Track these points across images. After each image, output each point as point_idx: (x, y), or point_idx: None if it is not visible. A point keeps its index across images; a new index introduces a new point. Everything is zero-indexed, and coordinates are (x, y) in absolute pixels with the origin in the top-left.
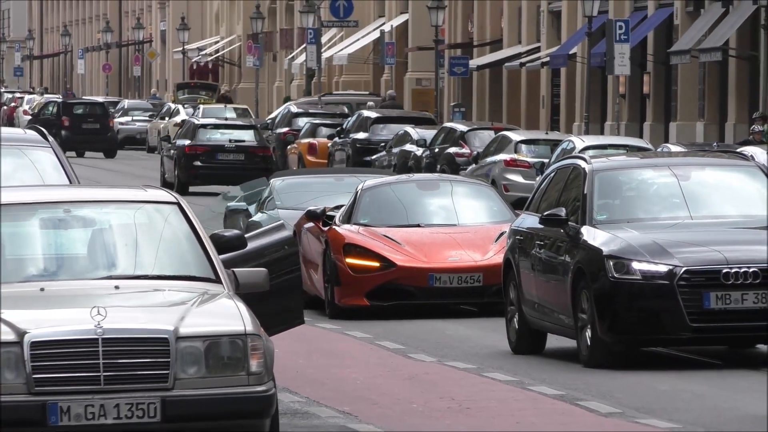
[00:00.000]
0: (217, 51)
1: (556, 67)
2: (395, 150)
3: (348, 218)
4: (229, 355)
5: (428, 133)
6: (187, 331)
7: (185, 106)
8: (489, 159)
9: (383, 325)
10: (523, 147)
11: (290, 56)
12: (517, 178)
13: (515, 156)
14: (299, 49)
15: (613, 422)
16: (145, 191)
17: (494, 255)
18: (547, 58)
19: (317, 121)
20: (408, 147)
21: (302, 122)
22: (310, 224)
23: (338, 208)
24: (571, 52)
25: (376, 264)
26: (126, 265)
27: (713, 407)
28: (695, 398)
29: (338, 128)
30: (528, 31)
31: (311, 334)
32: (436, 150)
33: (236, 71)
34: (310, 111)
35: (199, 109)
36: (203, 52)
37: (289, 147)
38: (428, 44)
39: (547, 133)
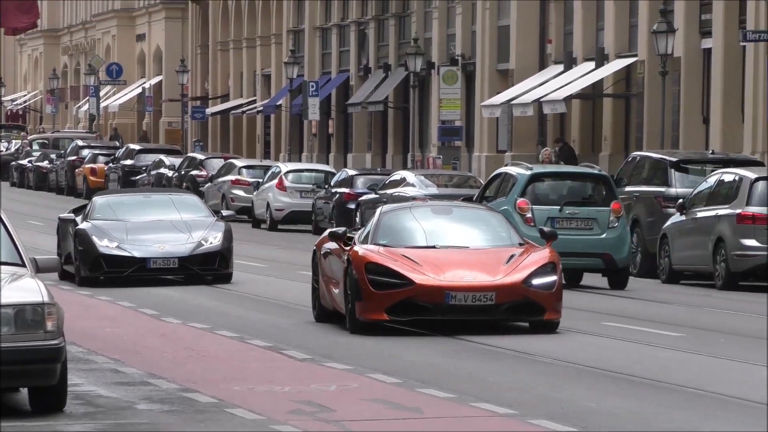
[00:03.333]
0: (25, 101)
1: (268, 114)
2: (153, 172)
3: (367, 239)
4: (32, 318)
5: (177, 161)
6: (3, 301)
7: (2, 140)
8: (220, 179)
9: (143, 295)
10: (244, 170)
11: (78, 105)
12: (240, 193)
13: (239, 177)
14: (84, 100)
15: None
16: None
17: (504, 276)
18: (261, 108)
19: (96, 152)
20: (162, 170)
21: (86, 152)
22: (332, 244)
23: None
24: (278, 104)
25: (396, 281)
26: None
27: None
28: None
29: (112, 156)
30: (247, 88)
31: (90, 302)
32: (183, 172)
33: (39, 116)
34: (92, 144)
35: (11, 142)
36: (15, 102)
37: (77, 170)
38: (177, 97)
39: (261, 161)
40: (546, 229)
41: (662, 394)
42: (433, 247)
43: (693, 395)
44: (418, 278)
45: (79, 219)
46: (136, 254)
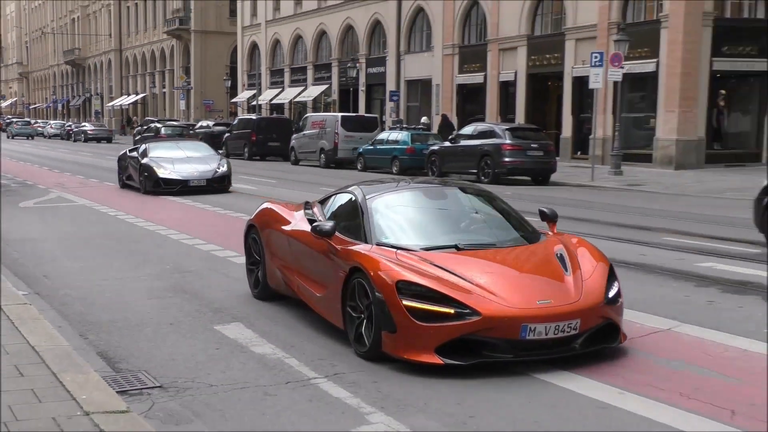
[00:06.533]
0: None
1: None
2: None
3: (347, 230)
4: None
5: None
6: None
7: None
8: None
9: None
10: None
11: None
12: None
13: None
14: None
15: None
16: None
17: (585, 294)
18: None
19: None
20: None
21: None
22: (294, 226)
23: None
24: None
25: (450, 311)
26: None
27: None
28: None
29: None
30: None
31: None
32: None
33: None
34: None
35: None
36: None
37: None
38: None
39: None
40: (547, 210)
41: None
42: (455, 246)
43: None
44: (483, 306)
45: (137, 155)
46: (181, 177)
